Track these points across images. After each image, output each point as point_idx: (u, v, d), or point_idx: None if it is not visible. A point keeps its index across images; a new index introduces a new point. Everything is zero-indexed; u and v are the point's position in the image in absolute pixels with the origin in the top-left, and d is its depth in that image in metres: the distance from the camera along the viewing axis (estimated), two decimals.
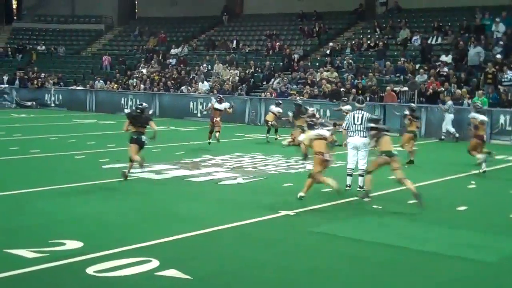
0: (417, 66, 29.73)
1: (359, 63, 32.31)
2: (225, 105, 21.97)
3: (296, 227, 10.44)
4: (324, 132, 12.80)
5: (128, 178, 14.41)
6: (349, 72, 31.35)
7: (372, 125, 13.14)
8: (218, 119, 21.23)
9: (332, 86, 29.74)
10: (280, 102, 24.55)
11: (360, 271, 8.27)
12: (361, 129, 13.54)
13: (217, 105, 21.56)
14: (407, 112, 18.96)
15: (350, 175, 13.78)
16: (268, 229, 10.39)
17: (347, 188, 13.53)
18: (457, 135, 24.68)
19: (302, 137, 13.89)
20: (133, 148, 14.39)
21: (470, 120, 18.07)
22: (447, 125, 25.03)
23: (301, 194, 12.44)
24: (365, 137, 13.51)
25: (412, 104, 21.55)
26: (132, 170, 14.63)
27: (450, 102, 25.30)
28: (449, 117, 25.15)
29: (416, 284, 7.79)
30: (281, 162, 17.82)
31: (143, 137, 14.48)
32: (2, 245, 8.73)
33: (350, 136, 13.73)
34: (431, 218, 11.49)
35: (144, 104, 15.20)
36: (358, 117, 13.68)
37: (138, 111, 14.72)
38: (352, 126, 13.68)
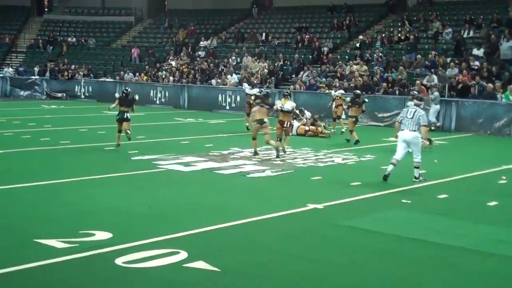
0: (448, 59, 29.39)
1: (389, 56, 32.04)
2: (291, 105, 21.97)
3: (324, 220, 10.38)
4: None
5: (157, 170, 14.50)
6: (379, 66, 31.13)
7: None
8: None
9: (363, 79, 29.54)
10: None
11: (389, 265, 8.19)
12: (412, 124, 13.81)
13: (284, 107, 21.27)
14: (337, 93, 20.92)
15: (394, 164, 13.91)
16: (296, 222, 10.35)
17: (386, 174, 13.82)
18: (438, 124, 25.24)
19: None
20: (119, 125, 18.28)
21: None
22: (430, 115, 24.85)
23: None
24: (415, 131, 13.81)
25: (357, 91, 22.59)
26: (160, 162, 14.73)
27: (436, 93, 25.56)
28: (435, 108, 25.52)
29: (447, 279, 7.69)
30: (310, 155, 17.75)
31: (126, 114, 18.36)
32: (33, 235, 8.81)
33: (401, 129, 14.03)
34: (461, 213, 11.37)
35: (129, 89, 19.48)
36: (411, 111, 13.96)
37: (124, 94, 18.90)
38: (405, 120, 13.99)
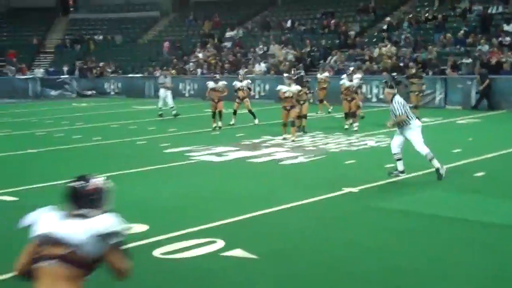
0: (478, 36, 28.97)
1: (417, 37, 31.68)
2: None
3: (360, 204, 10.28)
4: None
5: (190, 162, 14.52)
6: (407, 47, 30.80)
7: None
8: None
9: (392, 60, 29.27)
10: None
11: (424, 246, 8.07)
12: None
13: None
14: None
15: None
16: (332, 207, 10.27)
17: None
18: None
19: None
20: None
21: None
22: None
23: None
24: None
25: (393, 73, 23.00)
26: (193, 154, 14.83)
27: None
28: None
29: (484, 259, 7.55)
30: (342, 140, 17.63)
31: None
32: None
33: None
34: (499, 191, 11.17)
35: None
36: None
37: None
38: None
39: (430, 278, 6.90)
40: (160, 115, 25.17)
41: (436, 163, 12.08)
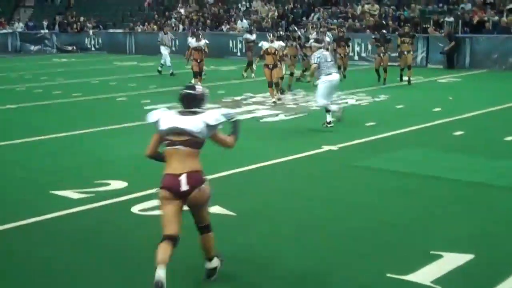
0: None
1: None
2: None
3: (340, 162, 10.31)
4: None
5: None
6: (390, 4, 30.62)
7: None
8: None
9: (375, 18, 29.13)
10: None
11: (407, 203, 8.14)
12: (334, 66, 13.94)
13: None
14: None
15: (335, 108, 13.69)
16: (312, 164, 10.30)
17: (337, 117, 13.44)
18: None
19: None
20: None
21: None
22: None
23: None
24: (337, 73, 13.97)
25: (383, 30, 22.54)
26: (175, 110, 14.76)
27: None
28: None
29: (465, 216, 7.64)
30: None
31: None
32: (48, 187, 8.82)
33: (328, 73, 13.29)
34: (479, 149, 11.24)
35: None
36: (327, 55, 13.56)
37: None
38: (325, 63, 13.30)
39: (415, 233, 6.99)
40: (160, 72, 24.94)
41: (332, 107, 13.43)
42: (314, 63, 13.36)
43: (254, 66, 22.35)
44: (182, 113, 5.72)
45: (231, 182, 9.20)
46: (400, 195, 8.51)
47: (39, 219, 7.53)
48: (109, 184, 8.99)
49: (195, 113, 5.66)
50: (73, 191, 8.57)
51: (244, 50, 26.06)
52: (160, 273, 5.18)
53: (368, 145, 11.67)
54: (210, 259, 5.86)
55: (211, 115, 5.66)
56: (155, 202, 8.00)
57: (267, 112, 15.29)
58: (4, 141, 12.14)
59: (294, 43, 20.45)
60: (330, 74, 13.30)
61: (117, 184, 8.95)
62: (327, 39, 20.29)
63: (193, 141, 5.59)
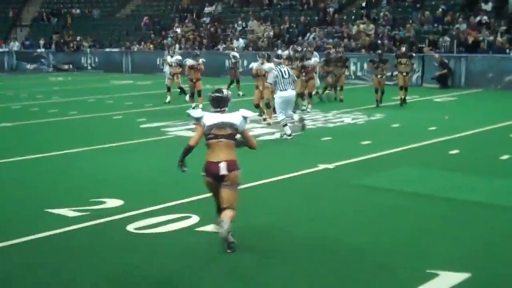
0: (457, 14, 29.04)
1: (396, 15, 31.67)
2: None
3: (336, 180, 10.32)
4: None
5: (166, 137, 14.48)
6: (386, 24, 30.79)
7: None
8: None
9: (371, 38, 29.26)
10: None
11: (403, 222, 8.14)
12: (290, 82, 14.32)
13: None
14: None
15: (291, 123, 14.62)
16: (308, 183, 10.29)
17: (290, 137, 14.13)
18: None
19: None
20: None
21: None
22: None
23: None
24: (293, 89, 14.51)
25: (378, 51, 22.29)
26: (169, 129, 14.82)
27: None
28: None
29: (462, 235, 7.63)
30: (319, 116, 17.65)
31: None
32: (44, 205, 8.79)
33: (283, 90, 14.18)
34: (474, 168, 11.26)
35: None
36: (285, 71, 14.33)
37: None
38: (282, 80, 14.15)
39: (412, 252, 6.97)
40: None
41: (287, 129, 14.10)
42: (269, 82, 14.62)
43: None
44: (217, 112, 7.06)
45: None
46: (396, 214, 8.50)
47: (34, 237, 7.50)
48: (105, 202, 8.96)
49: (225, 111, 7.06)
50: (69, 209, 8.55)
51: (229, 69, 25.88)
52: (230, 238, 6.80)
53: (364, 163, 11.68)
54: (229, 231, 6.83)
55: (245, 111, 7.19)
56: (151, 220, 8.02)
57: (264, 130, 15.31)
58: (0, 159, 12.11)
59: (297, 63, 19.86)
60: (285, 90, 14.15)
61: (113, 202, 8.93)
62: (315, 59, 19.99)
63: (232, 134, 6.97)
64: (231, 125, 6.94)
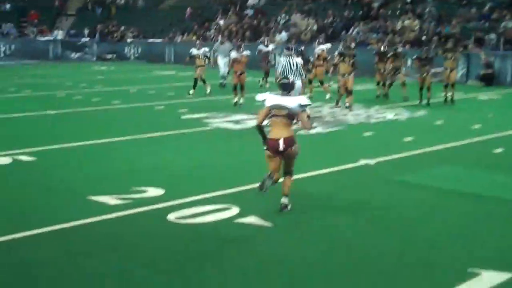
0: (504, 12, 28.55)
1: (442, 10, 31.25)
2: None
3: (376, 176, 10.22)
4: None
5: (207, 128, 14.54)
6: (431, 20, 30.41)
7: None
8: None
9: (415, 34, 28.94)
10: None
11: (444, 220, 8.03)
12: (297, 74, 15.10)
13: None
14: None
15: None
16: (348, 178, 10.23)
17: None
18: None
19: None
20: None
21: None
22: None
23: None
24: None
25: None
26: (210, 120, 14.88)
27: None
28: None
29: (504, 234, 7.50)
30: (361, 112, 17.52)
31: None
32: (86, 192, 8.88)
33: None
34: None
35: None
36: (293, 62, 15.24)
37: None
38: (288, 72, 14.88)
39: (453, 251, 6.88)
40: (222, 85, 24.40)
41: None
42: (279, 72, 15.31)
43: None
44: (281, 95, 8.26)
45: (268, 193, 9.14)
46: (438, 212, 8.40)
47: (75, 223, 7.58)
48: (146, 191, 9.02)
49: (289, 95, 8.28)
50: (110, 197, 8.62)
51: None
52: (284, 199, 8.13)
53: (405, 160, 11.55)
54: (286, 196, 8.15)
55: (302, 98, 8.59)
56: (191, 211, 8.05)
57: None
58: (43, 147, 12.27)
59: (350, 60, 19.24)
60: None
61: (154, 191, 8.98)
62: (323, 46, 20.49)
63: (289, 114, 8.09)
64: (287, 108, 8.05)
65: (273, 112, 8.13)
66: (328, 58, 21.40)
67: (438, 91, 20.36)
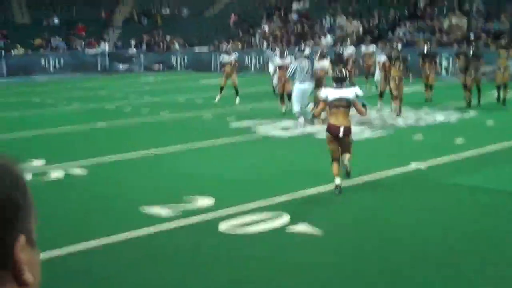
0: None
1: (490, 6, 30.73)
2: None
3: (430, 179, 10.08)
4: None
5: (256, 136, 14.54)
6: (479, 17, 29.94)
7: None
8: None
9: (463, 32, 28.53)
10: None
11: (498, 221, 7.87)
12: (309, 76, 15.90)
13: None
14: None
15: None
16: (400, 182, 10.09)
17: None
18: None
19: None
20: None
21: None
22: None
23: None
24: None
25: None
26: (258, 128, 14.92)
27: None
28: None
29: None
30: (410, 115, 17.30)
31: None
32: (138, 203, 8.93)
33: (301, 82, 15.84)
34: None
35: None
36: (306, 63, 15.93)
37: None
38: (300, 73, 15.73)
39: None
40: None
41: (300, 120, 15.45)
42: (289, 73, 16.27)
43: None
44: (337, 87, 9.35)
45: (318, 200, 9.11)
46: (489, 213, 8.23)
47: (128, 236, 7.63)
48: (196, 200, 9.04)
49: (344, 87, 9.32)
50: (161, 207, 8.65)
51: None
52: (337, 181, 9.09)
53: (458, 162, 11.36)
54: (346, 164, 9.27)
55: (358, 89, 9.50)
56: (242, 220, 8.04)
57: (354, 129, 15.07)
58: (94, 159, 12.42)
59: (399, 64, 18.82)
60: (304, 82, 15.74)
61: (204, 201, 8.99)
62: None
63: (347, 104, 9.23)
64: (346, 99, 9.20)
65: (334, 103, 9.20)
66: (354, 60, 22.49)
67: (487, 90, 19.90)
